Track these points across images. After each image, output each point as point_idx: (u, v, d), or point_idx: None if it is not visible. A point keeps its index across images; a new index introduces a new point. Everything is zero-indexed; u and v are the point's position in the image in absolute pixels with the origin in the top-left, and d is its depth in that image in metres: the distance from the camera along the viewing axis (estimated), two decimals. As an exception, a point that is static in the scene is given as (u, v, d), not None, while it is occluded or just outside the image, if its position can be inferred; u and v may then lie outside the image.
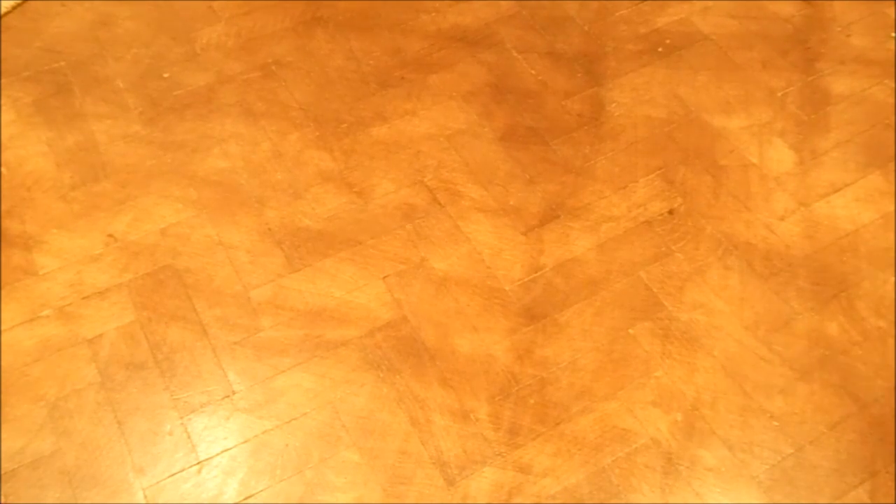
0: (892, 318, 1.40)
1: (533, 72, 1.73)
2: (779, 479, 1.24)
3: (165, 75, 1.70)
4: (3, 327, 1.35)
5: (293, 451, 1.24)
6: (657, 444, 1.26)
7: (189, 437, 1.26)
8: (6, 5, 1.79)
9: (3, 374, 1.30)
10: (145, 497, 1.20)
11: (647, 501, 1.21)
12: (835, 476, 1.24)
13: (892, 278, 1.45)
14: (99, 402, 1.28)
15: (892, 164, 1.60)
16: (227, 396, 1.29)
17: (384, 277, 1.43)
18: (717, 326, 1.39)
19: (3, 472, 1.21)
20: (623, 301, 1.41)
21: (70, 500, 1.19)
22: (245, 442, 1.25)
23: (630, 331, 1.38)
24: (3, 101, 1.65)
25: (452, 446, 1.25)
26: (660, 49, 1.78)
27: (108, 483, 1.21)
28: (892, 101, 1.70)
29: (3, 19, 1.78)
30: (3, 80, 1.68)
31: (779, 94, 1.71)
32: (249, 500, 1.20)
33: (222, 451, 1.24)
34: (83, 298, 1.39)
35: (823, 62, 1.77)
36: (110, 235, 1.47)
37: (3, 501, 1.19)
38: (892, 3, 1.88)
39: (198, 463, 1.23)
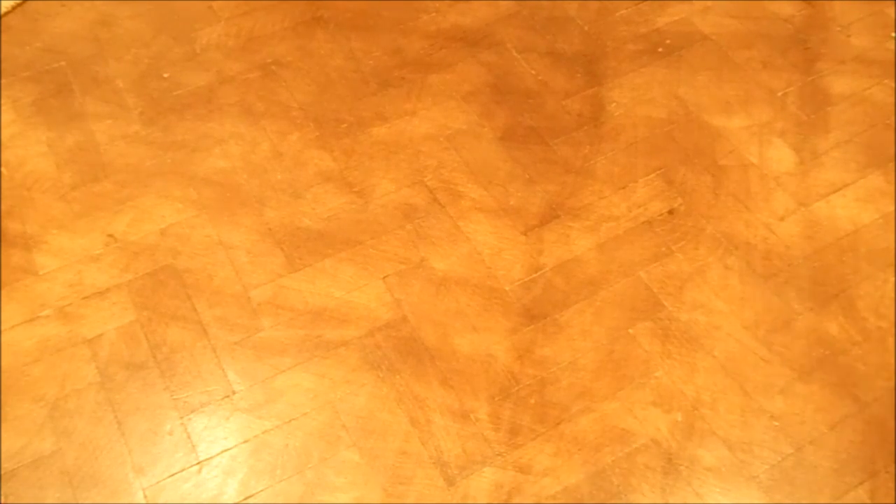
0: (892, 318, 1.40)
1: (533, 72, 1.73)
2: (779, 479, 1.24)
3: (165, 75, 1.70)
4: (3, 327, 1.35)
5: (293, 451, 1.25)
6: (657, 444, 1.26)
7: (189, 437, 1.26)
8: (6, 5, 1.79)
9: (3, 374, 1.30)
10: (145, 497, 1.20)
11: (647, 501, 1.21)
12: (835, 476, 1.24)
13: (892, 278, 1.45)
14: (99, 402, 1.28)
15: (892, 164, 1.60)
16: (227, 396, 1.29)
17: (384, 277, 1.43)
18: (717, 326, 1.39)
19: (3, 472, 1.21)
20: (623, 301, 1.41)
21: (70, 500, 1.19)
22: (245, 442, 1.25)
23: (630, 331, 1.38)
24: (3, 101, 1.65)
25: (452, 446, 1.25)
26: (660, 49, 1.78)
27: (108, 483, 1.21)
28: (892, 101, 1.70)
29: (3, 19, 1.78)
30: (3, 80, 1.68)
31: (779, 94, 1.71)
32: (249, 500, 1.20)
33: (222, 451, 1.24)
34: (83, 298, 1.39)
35: (823, 62, 1.77)
36: (110, 235, 1.47)
37: (3, 501, 1.19)
38: (892, 3, 1.88)
39: (198, 463, 1.23)
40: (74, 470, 1.22)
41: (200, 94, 1.67)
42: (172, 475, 1.22)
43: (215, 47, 1.75)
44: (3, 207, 1.50)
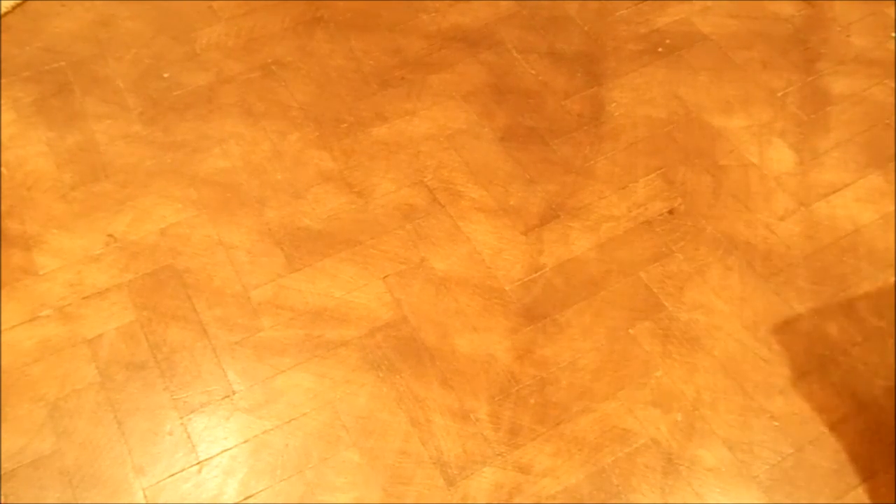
0: (892, 318, 1.40)
1: (533, 72, 1.73)
2: (779, 479, 1.24)
3: (165, 75, 1.70)
4: (3, 327, 1.35)
5: (293, 451, 1.25)
6: (657, 444, 1.26)
7: (189, 437, 1.26)
8: (6, 5, 1.79)
9: (3, 374, 1.30)
10: (145, 497, 1.20)
11: (647, 501, 1.21)
12: (835, 476, 1.24)
13: (892, 278, 1.45)
14: (99, 402, 1.28)
15: (892, 164, 1.60)
16: (227, 396, 1.29)
17: (384, 277, 1.43)
18: (717, 326, 1.39)
19: (3, 472, 1.21)
20: (623, 301, 1.41)
21: (70, 500, 1.19)
22: (245, 442, 1.25)
23: (630, 331, 1.38)
24: (3, 101, 1.65)
25: (452, 446, 1.25)
26: (660, 49, 1.78)
27: (108, 483, 1.21)
28: (892, 101, 1.70)
29: (3, 19, 1.78)
30: (3, 80, 1.68)
31: (779, 94, 1.71)
32: (249, 500, 1.20)
33: (222, 451, 1.24)
34: (83, 298, 1.39)
35: (823, 62, 1.77)
36: (110, 235, 1.47)
37: (3, 501, 1.19)
38: (892, 3, 1.88)
39: (198, 463, 1.23)
40: (74, 470, 1.22)
41: (200, 94, 1.67)
42: (172, 475, 1.22)
43: (215, 47, 1.75)
44: (3, 207, 1.50)
